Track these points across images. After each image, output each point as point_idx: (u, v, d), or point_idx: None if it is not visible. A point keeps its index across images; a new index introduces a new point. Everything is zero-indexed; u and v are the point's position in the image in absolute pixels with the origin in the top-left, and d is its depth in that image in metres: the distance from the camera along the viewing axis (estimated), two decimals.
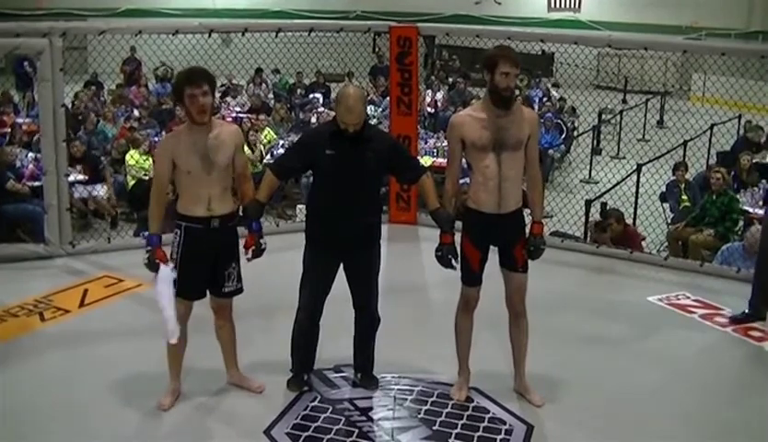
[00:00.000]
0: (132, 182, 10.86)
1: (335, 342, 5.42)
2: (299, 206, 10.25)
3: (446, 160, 5.24)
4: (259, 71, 17.80)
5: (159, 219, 4.88)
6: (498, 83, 4.75)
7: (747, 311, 6.61)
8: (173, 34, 8.26)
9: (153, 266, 4.81)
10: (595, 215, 9.53)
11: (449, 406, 5.13)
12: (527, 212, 5.05)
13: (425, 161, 11.06)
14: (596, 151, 15.40)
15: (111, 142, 12.29)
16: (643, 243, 9.52)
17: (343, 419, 4.98)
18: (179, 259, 4.84)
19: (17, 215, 8.77)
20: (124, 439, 4.77)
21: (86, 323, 6.37)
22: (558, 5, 27.68)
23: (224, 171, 4.86)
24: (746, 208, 9.73)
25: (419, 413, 5.05)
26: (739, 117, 15.41)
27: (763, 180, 10.91)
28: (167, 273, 4.78)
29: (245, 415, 5.01)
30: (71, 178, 8.67)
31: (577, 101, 11.97)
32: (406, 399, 5.22)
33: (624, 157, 14.83)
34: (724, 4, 25.03)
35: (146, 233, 5.02)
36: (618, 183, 10.58)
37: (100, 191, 10.55)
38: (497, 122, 4.79)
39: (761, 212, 9.35)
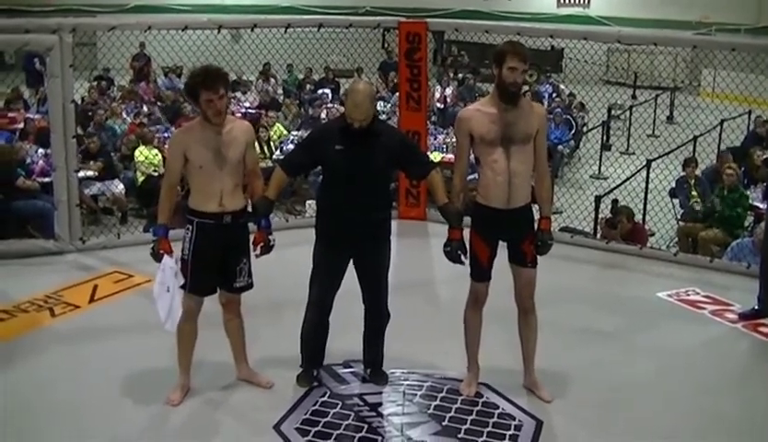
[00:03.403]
0: (141, 178, 10.89)
1: (345, 337, 5.43)
2: (309, 202, 10.25)
3: (454, 156, 5.24)
4: (267, 66, 17.78)
5: (168, 211, 4.90)
6: (505, 77, 4.75)
7: (757, 307, 6.59)
8: (182, 30, 8.27)
9: (156, 257, 4.84)
10: (604, 210, 9.51)
11: (459, 402, 5.13)
12: (536, 208, 5.05)
13: (435, 157, 11.06)
14: (605, 147, 15.39)
15: (120, 138, 12.32)
16: (652, 239, 9.52)
17: (353, 414, 4.98)
18: (190, 254, 4.86)
19: (28, 211, 8.79)
20: (133, 434, 4.78)
21: (95, 319, 6.40)
22: (567, 1, 27.63)
23: (236, 167, 4.87)
24: (756, 204, 9.71)
25: (429, 409, 5.05)
26: (749, 113, 15.36)
27: None
28: (170, 264, 4.81)
29: (254, 411, 5.02)
30: (81, 174, 8.69)
31: (587, 97, 11.94)
32: (416, 394, 5.22)
33: (634, 153, 14.79)
34: None
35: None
36: (627, 179, 10.57)
37: (119, 186, 10.62)
38: (505, 117, 4.79)
39: (763, 207, 9.38)
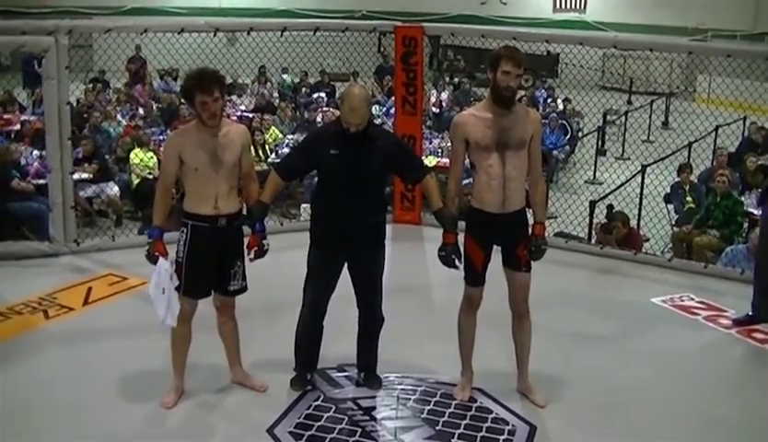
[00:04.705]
0: (136, 181, 10.89)
1: (339, 341, 5.43)
2: (303, 205, 10.26)
3: (449, 160, 5.24)
4: (262, 69, 17.76)
5: (163, 213, 4.91)
6: (500, 81, 4.75)
7: (750, 313, 6.60)
8: (179, 33, 8.27)
9: (152, 259, 4.84)
10: (599, 215, 9.52)
11: (452, 406, 5.13)
12: (530, 212, 5.06)
13: (430, 161, 11.07)
14: (600, 152, 15.42)
15: (116, 140, 12.31)
16: (647, 244, 9.53)
17: (347, 418, 4.98)
18: (185, 257, 4.86)
19: (23, 213, 8.78)
20: (127, 437, 4.78)
21: (89, 321, 6.39)
22: (563, 6, 27.66)
23: (231, 170, 4.87)
24: (750, 210, 9.72)
25: (422, 413, 5.05)
26: (744, 119, 15.40)
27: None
28: (165, 266, 4.81)
29: (248, 414, 5.02)
30: (76, 176, 8.68)
31: (582, 102, 11.96)
32: (409, 398, 5.22)
33: (629, 158, 14.82)
34: (730, 5, 24.99)
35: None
36: (622, 184, 10.58)
37: (113, 189, 10.60)
38: (500, 122, 4.80)
39: (758, 213, 9.37)
